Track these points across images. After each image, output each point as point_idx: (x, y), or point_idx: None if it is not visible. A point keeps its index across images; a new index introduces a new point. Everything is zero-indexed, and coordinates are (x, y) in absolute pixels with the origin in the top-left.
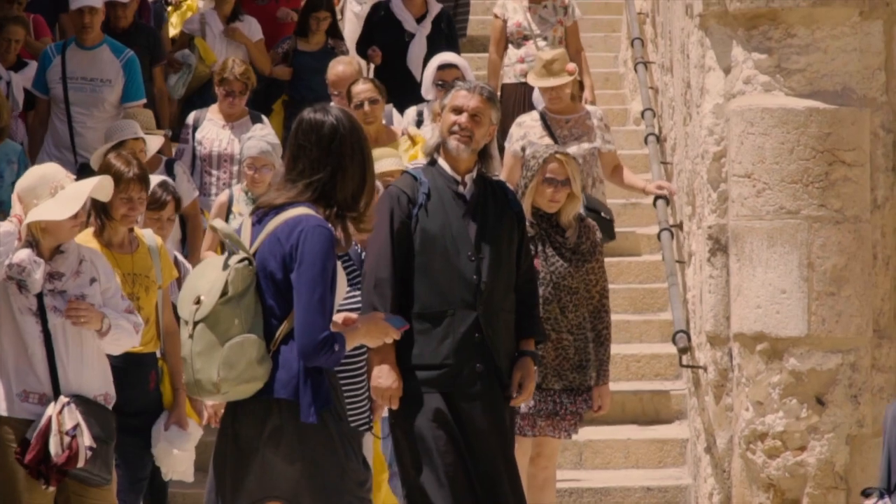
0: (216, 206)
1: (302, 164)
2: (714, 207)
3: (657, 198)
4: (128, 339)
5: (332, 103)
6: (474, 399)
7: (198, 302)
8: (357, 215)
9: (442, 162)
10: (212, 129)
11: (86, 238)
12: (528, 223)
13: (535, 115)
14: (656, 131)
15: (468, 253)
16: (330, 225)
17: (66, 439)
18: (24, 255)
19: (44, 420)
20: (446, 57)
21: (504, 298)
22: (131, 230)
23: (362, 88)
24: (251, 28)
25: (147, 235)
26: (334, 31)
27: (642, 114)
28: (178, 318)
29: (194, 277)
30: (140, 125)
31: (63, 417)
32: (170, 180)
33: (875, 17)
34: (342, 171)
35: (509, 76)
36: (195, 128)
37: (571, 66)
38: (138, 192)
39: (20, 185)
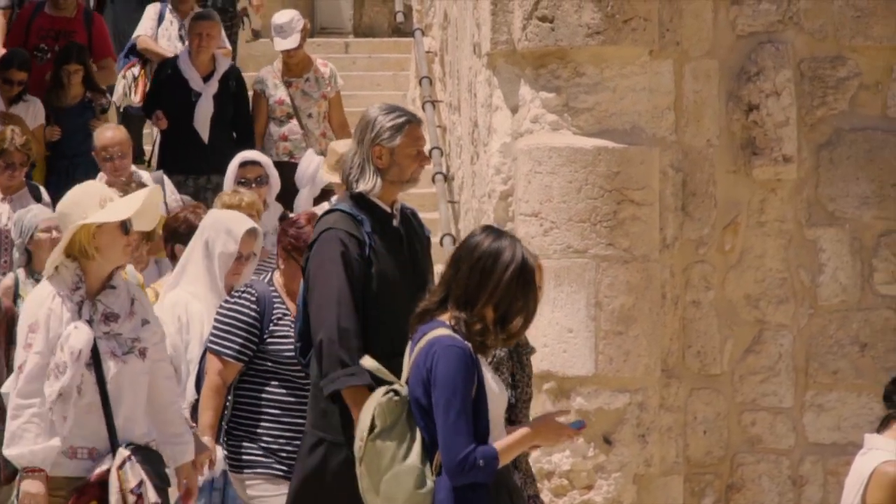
0: (2, 290)
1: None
2: None
3: None
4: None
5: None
6: None
7: (362, 439)
8: (473, 316)
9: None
10: None
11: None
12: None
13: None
14: (444, 170)
15: (412, 290)
16: (466, 341)
17: (132, 497)
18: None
19: (99, 469)
20: (249, 155)
21: None
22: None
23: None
24: (35, 109)
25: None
26: (92, 85)
27: (430, 152)
28: None
29: (364, 411)
30: None
31: (125, 473)
32: None
33: (665, 56)
34: (467, 271)
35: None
36: None
37: None
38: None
39: (62, 205)
